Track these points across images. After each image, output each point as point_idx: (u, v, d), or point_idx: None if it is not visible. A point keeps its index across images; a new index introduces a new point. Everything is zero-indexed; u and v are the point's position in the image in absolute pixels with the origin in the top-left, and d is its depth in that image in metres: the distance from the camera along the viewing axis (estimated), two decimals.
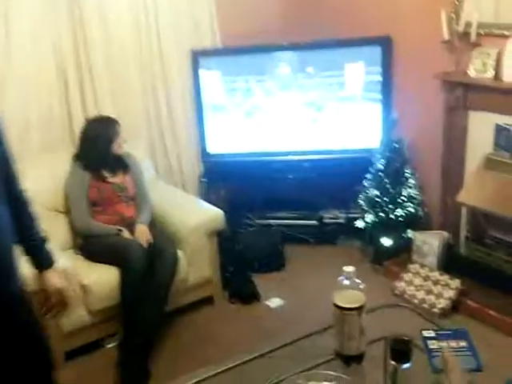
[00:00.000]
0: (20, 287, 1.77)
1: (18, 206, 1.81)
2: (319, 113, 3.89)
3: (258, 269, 3.66)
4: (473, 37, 3.16)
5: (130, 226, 3.15)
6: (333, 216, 4.03)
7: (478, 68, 3.18)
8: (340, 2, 3.89)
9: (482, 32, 3.15)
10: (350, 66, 3.75)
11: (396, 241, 3.57)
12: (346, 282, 1.70)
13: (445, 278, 3.22)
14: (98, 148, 3.17)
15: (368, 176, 3.61)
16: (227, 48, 3.95)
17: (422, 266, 3.37)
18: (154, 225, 3.27)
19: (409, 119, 3.56)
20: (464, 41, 3.23)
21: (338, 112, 3.86)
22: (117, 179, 3.22)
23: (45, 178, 3.22)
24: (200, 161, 4.09)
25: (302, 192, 4.01)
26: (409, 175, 3.54)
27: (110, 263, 2.99)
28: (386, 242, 3.59)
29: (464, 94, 3.30)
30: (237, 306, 3.38)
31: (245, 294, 3.41)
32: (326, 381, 1.63)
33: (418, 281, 3.29)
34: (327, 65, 3.77)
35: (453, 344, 1.75)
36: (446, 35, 3.27)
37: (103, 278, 2.95)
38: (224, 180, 4.01)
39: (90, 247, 3.12)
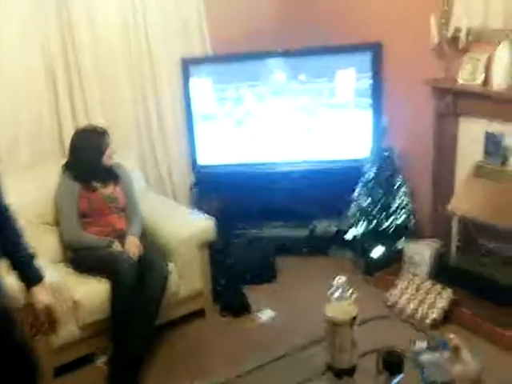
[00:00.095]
0: (4, 303, 1.75)
1: (3, 220, 1.79)
2: (311, 120, 3.88)
3: (249, 280, 3.63)
4: (462, 43, 3.17)
5: (121, 238, 3.11)
6: (324, 226, 4.02)
7: (468, 74, 3.18)
8: (331, 8, 3.89)
9: (471, 38, 3.16)
10: (340, 73, 3.75)
11: (387, 251, 3.56)
12: (338, 294, 1.69)
13: (437, 287, 3.21)
14: (88, 159, 3.15)
15: (359, 185, 3.60)
16: (217, 56, 3.94)
17: (414, 275, 3.35)
18: (145, 236, 3.24)
19: (399, 126, 3.56)
20: (453, 47, 3.23)
21: (329, 120, 3.85)
22: (107, 190, 3.20)
23: (34, 190, 3.19)
24: (191, 171, 4.07)
25: (293, 202, 4.00)
26: (400, 184, 3.54)
27: (101, 276, 2.95)
28: (378, 252, 3.57)
29: (454, 101, 3.30)
30: (228, 319, 3.35)
31: (236, 307, 3.38)
32: None
33: (409, 291, 3.27)
34: (318, 71, 3.76)
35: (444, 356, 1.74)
36: (435, 41, 3.27)
37: (93, 292, 2.92)
38: (215, 190, 3.99)
39: (80, 260, 3.08)
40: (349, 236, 3.63)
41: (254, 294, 3.50)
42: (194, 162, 4.04)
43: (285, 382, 1.80)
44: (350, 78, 3.74)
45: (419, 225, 3.65)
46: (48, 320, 1.84)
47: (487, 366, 1.60)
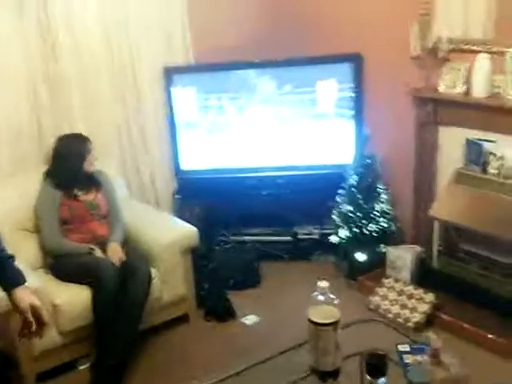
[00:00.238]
0: None
1: None
2: (293, 129, 3.91)
3: (233, 286, 3.63)
4: (442, 52, 3.22)
5: (103, 245, 3.10)
6: (307, 232, 4.03)
7: (448, 83, 3.23)
8: (312, 20, 3.92)
9: (451, 47, 3.20)
10: (321, 83, 3.79)
11: (370, 256, 3.59)
12: (321, 298, 1.70)
13: (419, 292, 3.24)
14: (69, 166, 3.14)
15: (341, 192, 3.63)
16: (200, 65, 3.95)
17: (396, 280, 3.38)
18: (127, 243, 3.23)
19: (381, 135, 3.60)
20: (433, 56, 3.28)
21: (311, 128, 3.88)
22: (89, 197, 3.18)
23: (14, 197, 3.17)
24: (173, 178, 4.07)
25: (276, 208, 4.01)
26: (381, 190, 3.57)
27: (82, 283, 2.93)
28: (360, 257, 3.60)
29: (434, 110, 3.35)
30: (212, 324, 3.35)
31: (220, 312, 3.38)
32: None
33: (392, 295, 3.31)
34: (299, 82, 3.80)
35: (427, 358, 1.76)
36: (415, 51, 3.32)
37: (75, 298, 2.89)
38: (198, 197, 3.98)
39: (61, 266, 3.06)
40: (333, 239, 3.65)
41: (238, 299, 3.50)
42: (176, 169, 4.04)
43: None
44: (331, 89, 3.78)
45: (401, 230, 3.69)
46: (35, 320, 1.81)
47: (471, 369, 1.61)
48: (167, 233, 3.25)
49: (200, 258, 3.53)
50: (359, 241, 3.56)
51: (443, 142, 3.41)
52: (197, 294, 3.39)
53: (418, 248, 3.49)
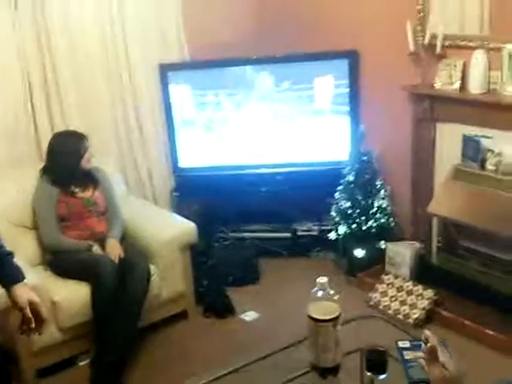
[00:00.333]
0: None
1: None
2: (290, 125, 3.91)
3: (232, 282, 3.64)
4: (438, 48, 3.21)
5: (101, 241, 3.10)
6: (306, 228, 4.04)
7: (445, 80, 3.23)
8: (308, 16, 3.92)
9: (447, 44, 3.20)
10: (318, 80, 3.78)
11: (369, 252, 3.59)
12: (320, 294, 1.70)
13: (418, 288, 3.24)
14: (66, 162, 3.13)
15: (339, 188, 3.63)
16: (196, 62, 3.94)
17: (396, 276, 3.39)
18: (126, 239, 3.23)
19: (377, 131, 3.60)
20: (430, 53, 3.28)
21: (308, 125, 3.88)
22: (86, 194, 3.18)
23: (12, 194, 3.17)
24: (171, 175, 4.06)
25: (274, 205, 4.01)
26: (379, 187, 3.57)
27: (81, 279, 2.93)
28: (359, 253, 3.60)
29: (431, 106, 3.35)
30: (211, 321, 3.35)
31: (219, 308, 3.38)
32: None
33: (391, 292, 3.31)
34: (296, 78, 3.79)
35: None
36: (411, 47, 3.32)
37: (74, 295, 2.89)
38: (196, 194, 3.98)
39: (60, 263, 3.06)
40: (332, 236, 3.65)
41: (237, 295, 3.50)
42: (174, 165, 4.04)
43: (269, 381, 1.80)
44: (327, 85, 3.78)
45: (400, 227, 3.69)
46: (35, 317, 1.81)
47: (471, 365, 1.62)
48: (166, 229, 3.25)
49: (199, 254, 3.53)
50: (358, 237, 3.57)
51: (440, 138, 3.41)
52: (196, 290, 3.39)
53: (417, 244, 3.50)
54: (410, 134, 3.53)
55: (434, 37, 3.23)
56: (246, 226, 4.09)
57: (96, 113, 3.66)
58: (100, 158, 3.35)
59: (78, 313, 2.86)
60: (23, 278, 1.84)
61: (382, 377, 1.63)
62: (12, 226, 3.08)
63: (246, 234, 4.03)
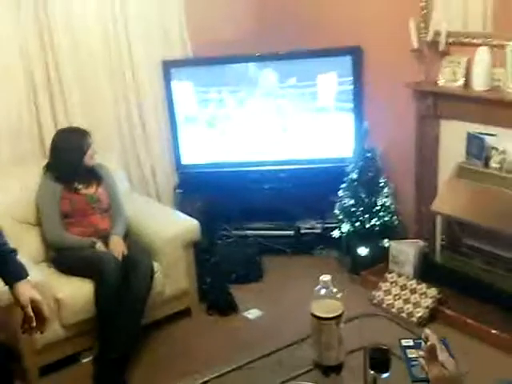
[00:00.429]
0: None
1: None
2: (293, 122, 3.90)
3: (235, 280, 3.63)
4: (442, 45, 3.20)
5: (105, 238, 3.10)
6: (309, 226, 4.03)
7: (448, 77, 3.22)
8: (310, 12, 3.91)
9: (451, 40, 3.19)
10: (322, 77, 3.77)
11: (372, 250, 3.58)
12: (323, 292, 1.70)
13: (422, 286, 3.24)
14: (69, 159, 3.13)
15: (343, 186, 3.62)
16: (199, 58, 3.94)
17: (399, 275, 3.38)
18: (129, 236, 3.24)
19: (381, 129, 3.59)
20: (433, 50, 3.26)
21: (312, 122, 3.87)
22: (90, 190, 3.18)
23: (15, 191, 3.17)
24: (175, 172, 4.06)
25: (278, 202, 4.00)
26: (383, 184, 3.56)
27: (84, 276, 2.94)
28: (363, 251, 3.60)
29: (435, 103, 3.34)
30: (215, 318, 3.35)
31: (222, 306, 3.38)
32: None
33: (395, 290, 3.30)
34: (300, 75, 3.78)
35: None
36: (415, 44, 3.30)
37: (77, 292, 2.90)
38: (199, 191, 3.98)
39: (63, 260, 3.06)
40: (335, 234, 3.65)
41: (240, 293, 3.50)
42: (177, 162, 4.03)
43: (272, 379, 1.80)
44: (331, 82, 3.77)
45: (403, 225, 3.68)
46: (36, 315, 1.81)
47: (474, 364, 1.61)
48: (169, 226, 3.25)
49: (202, 252, 3.53)
50: (361, 235, 3.56)
51: (444, 135, 3.40)
52: (199, 288, 3.39)
53: (420, 242, 3.49)
54: (413, 131, 3.51)
55: (437, 34, 3.21)
56: (250, 224, 4.08)
57: (99, 110, 3.66)
58: (103, 154, 3.35)
59: (82, 310, 2.87)
60: (26, 275, 1.84)
61: (385, 375, 1.63)
62: (16, 223, 3.09)
63: (249, 232, 4.03)
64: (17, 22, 3.28)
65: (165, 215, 3.44)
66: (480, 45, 3.05)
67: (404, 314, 3.15)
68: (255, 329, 3.20)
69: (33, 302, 1.78)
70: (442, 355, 1.36)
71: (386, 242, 3.55)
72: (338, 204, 3.64)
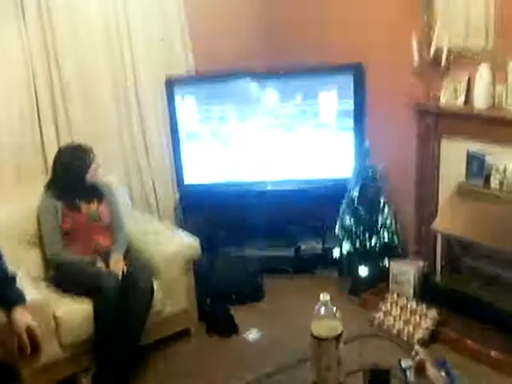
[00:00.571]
0: None
1: None
2: (294, 140, 3.91)
3: (235, 300, 3.61)
4: (443, 63, 3.20)
5: (105, 255, 3.10)
6: (310, 246, 4.02)
7: (449, 94, 3.22)
8: (312, 30, 3.93)
9: (452, 59, 3.19)
10: (323, 94, 3.79)
11: (373, 270, 3.57)
12: (323, 311, 1.69)
13: (422, 307, 3.22)
14: (71, 176, 3.14)
15: (343, 205, 3.61)
16: (201, 76, 3.97)
17: (399, 295, 3.36)
18: (130, 253, 3.23)
19: (382, 147, 3.59)
20: (435, 67, 3.26)
21: (313, 140, 3.88)
22: (91, 207, 3.18)
23: (16, 209, 3.16)
24: (176, 190, 4.07)
25: (278, 222, 4.00)
26: (383, 204, 3.56)
27: (83, 294, 2.92)
28: (363, 271, 3.58)
29: (435, 122, 3.34)
30: (214, 339, 3.32)
31: (223, 327, 3.35)
32: None
33: (395, 311, 3.28)
34: (301, 93, 3.80)
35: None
36: (416, 61, 3.31)
37: (76, 310, 2.88)
38: (200, 209, 3.98)
39: (63, 278, 3.05)
40: (335, 254, 3.64)
41: (241, 313, 3.48)
42: (179, 180, 4.04)
43: None
44: (332, 100, 3.78)
45: (404, 244, 3.67)
46: (31, 342, 1.79)
47: None
48: (170, 245, 3.25)
49: (202, 271, 3.51)
50: (362, 255, 3.55)
51: (445, 154, 3.40)
52: (199, 307, 3.37)
53: (420, 262, 3.47)
54: (414, 150, 3.51)
55: (439, 50, 3.22)
56: (250, 243, 4.07)
57: (102, 127, 3.68)
58: (105, 172, 3.36)
59: (80, 328, 2.85)
60: (24, 301, 1.83)
61: None
62: (15, 242, 3.08)
63: (249, 251, 4.01)
64: (21, 35, 3.31)
65: (165, 233, 3.43)
66: (481, 62, 3.05)
67: (404, 335, 3.12)
68: (255, 350, 3.18)
69: (28, 329, 1.77)
70: (431, 371, 1.35)
71: (386, 262, 3.53)
72: (339, 223, 3.63)
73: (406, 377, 1.78)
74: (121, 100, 3.74)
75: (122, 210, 3.35)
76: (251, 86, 3.86)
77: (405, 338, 3.10)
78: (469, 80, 3.15)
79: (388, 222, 3.54)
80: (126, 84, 3.73)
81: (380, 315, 3.30)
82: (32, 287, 2.74)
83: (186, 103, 3.90)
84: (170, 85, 3.86)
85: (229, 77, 3.86)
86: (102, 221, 3.18)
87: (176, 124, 3.93)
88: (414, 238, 3.66)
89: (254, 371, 1.99)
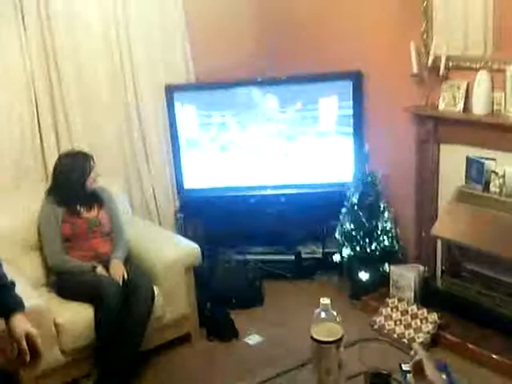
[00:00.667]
0: None
1: None
2: (294, 146, 3.93)
3: (235, 305, 3.62)
4: (442, 70, 3.22)
5: (106, 262, 3.10)
6: (310, 251, 4.03)
7: (448, 101, 3.24)
8: (311, 37, 3.96)
9: (451, 65, 3.21)
10: (322, 101, 3.81)
11: (373, 275, 3.57)
12: (323, 315, 1.69)
13: (423, 311, 3.22)
14: (71, 183, 3.15)
15: (343, 210, 3.62)
16: (201, 83, 3.99)
17: (400, 300, 3.36)
18: (130, 260, 3.23)
19: (381, 153, 3.61)
20: (433, 74, 3.29)
21: (313, 146, 3.90)
22: (91, 214, 3.19)
23: (17, 215, 3.18)
24: (176, 196, 4.08)
25: (278, 227, 4.01)
26: (383, 209, 3.57)
27: (84, 300, 2.93)
28: (363, 276, 3.59)
29: (434, 128, 3.36)
30: (215, 344, 3.33)
31: (223, 332, 3.36)
32: None
33: (396, 315, 3.29)
34: (301, 99, 3.82)
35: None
36: (415, 69, 3.33)
37: (77, 316, 2.89)
38: (200, 215, 3.99)
39: (64, 284, 3.06)
40: (335, 259, 3.64)
41: (241, 318, 3.48)
42: (179, 186, 4.05)
43: None
44: (331, 106, 3.80)
45: (404, 249, 3.67)
46: (30, 349, 1.77)
47: None
48: (170, 251, 3.25)
49: (203, 276, 3.51)
50: (362, 260, 3.55)
51: (444, 159, 3.41)
52: (199, 313, 3.37)
53: (421, 267, 3.48)
54: (413, 155, 3.53)
55: (437, 58, 3.24)
56: (250, 248, 4.08)
57: (102, 133, 3.70)
58: (105, 178, 3.37)
59: (82, 335, 2.85)
60: (23, 308, 1.82)
61: None
62: (16, 247, 3.09)
63: (249, 256, 4.02)
64: (21, 41, 3.33)
65: (166, 239, 3.44)
66: (480, 69, 3.07)
67: (405, 339, 3.13)
68: (256, 354, 3.18)
69: (27, 336, 1.76)
70: (429, 370, 1.36)
71: (386, 267, 3.54)
72: (339, 228, 3.64)
73: (406, 380, 1.79)
74: (121, 107, 3.76)
75: (122, 216, 3.35)
76: (251, 92, 3.88)
77: (406, 342, 3.10)
78: (467, 87, 3.16)
79: (388, 226, 3.55)
80: (126, 91, 3.74)
81: (381, 319, 3.31)
82: (33, 293, 2.75)
83: (186, 110, 3.92)
84: (170, 92, 3.88)
85: (229, 84, 3.88)
86: (102, 227, 3.19)
87: (176, 131, 3.94)
88: (414, 243, 3.67)
89: (255, 376, 1.99)
